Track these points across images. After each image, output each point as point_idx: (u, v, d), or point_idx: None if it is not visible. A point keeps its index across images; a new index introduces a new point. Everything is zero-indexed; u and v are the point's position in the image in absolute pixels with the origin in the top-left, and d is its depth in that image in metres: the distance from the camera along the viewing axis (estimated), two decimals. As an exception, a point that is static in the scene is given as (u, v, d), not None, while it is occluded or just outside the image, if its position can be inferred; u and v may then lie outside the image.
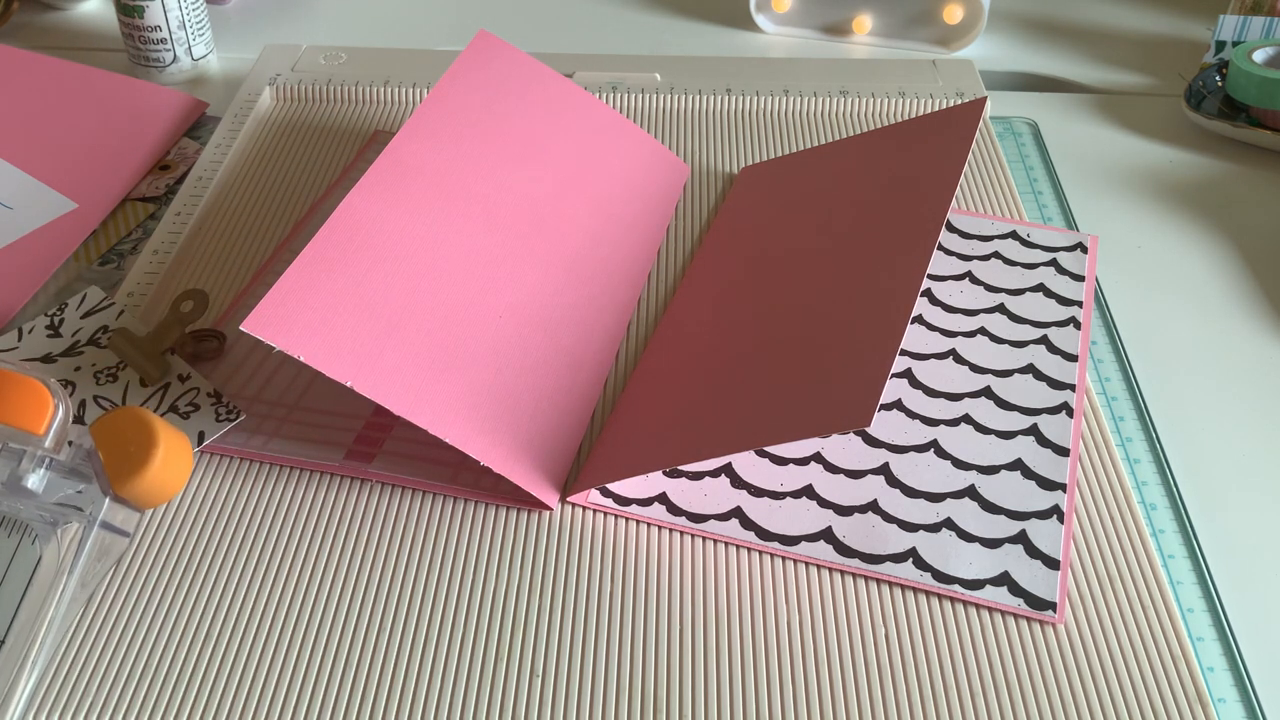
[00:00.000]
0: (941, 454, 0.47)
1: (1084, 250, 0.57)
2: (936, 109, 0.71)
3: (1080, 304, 0.54)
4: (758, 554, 0.44)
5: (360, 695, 0.39)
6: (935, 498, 0.45)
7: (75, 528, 0.41)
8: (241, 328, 0.41)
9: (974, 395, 0.50)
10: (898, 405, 0.49)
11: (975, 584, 0.42)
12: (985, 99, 0.57)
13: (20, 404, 0.42)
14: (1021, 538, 0.44)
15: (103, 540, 0.42)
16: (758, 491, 0.46)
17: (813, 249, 0.54)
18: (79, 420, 0.49)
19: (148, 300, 0.56)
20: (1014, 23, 0.84)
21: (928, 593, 0.42)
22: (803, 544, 0.44)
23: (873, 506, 0.45)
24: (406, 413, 0.43)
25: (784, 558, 0.44)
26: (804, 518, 0.45)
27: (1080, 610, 0.42)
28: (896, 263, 0.48)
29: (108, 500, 0.41)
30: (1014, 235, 0.58)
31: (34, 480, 0.41)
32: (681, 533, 0.45)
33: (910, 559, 0.43)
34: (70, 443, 0.42)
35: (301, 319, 0.42)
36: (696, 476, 0.47)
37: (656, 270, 0.58)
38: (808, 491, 0.46)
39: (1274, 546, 0.46)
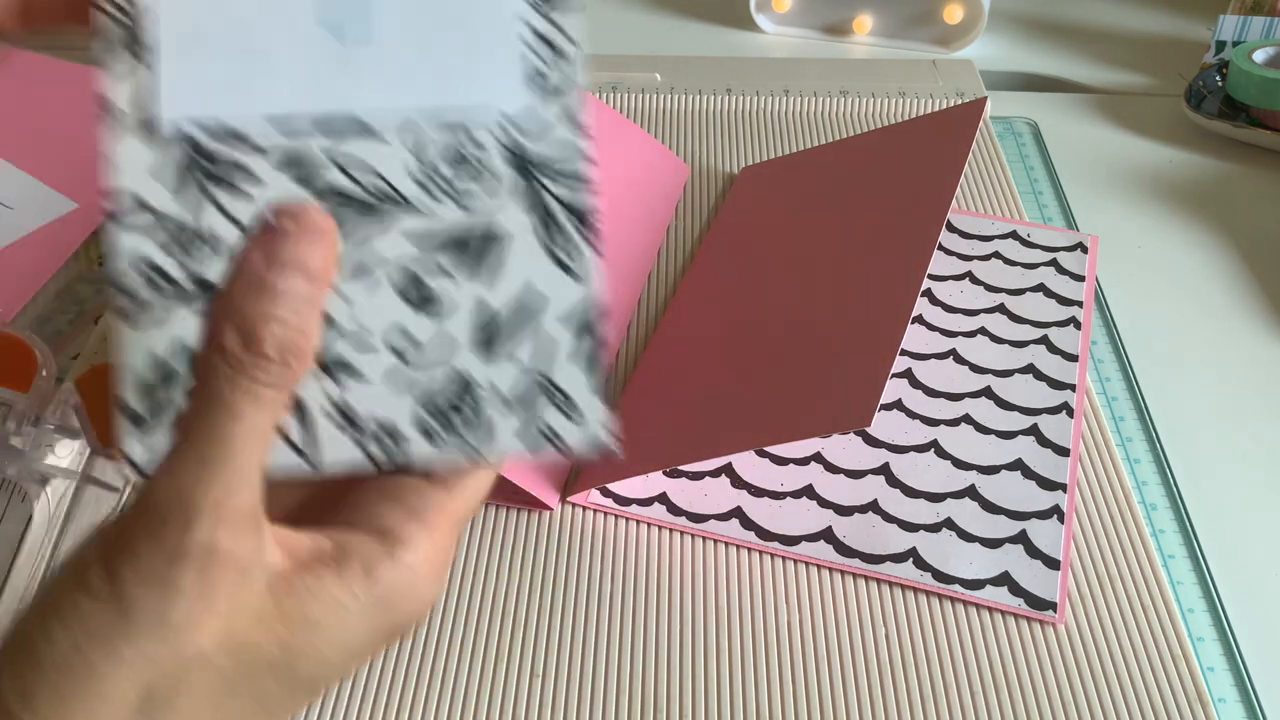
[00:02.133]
0: (942, 454, 0.47)
1: (1084, 250, 0.57)
2: (936, 109, 0.70)
3: (1080, 304, 0.54)
4: (758, 554, 0.44)
5: (360, 695, 0.39)
6: (935, 498, 0.45)
7: (64, 484, 0.41)
8: None
9: (974, 395, 0.50)
10: (898, 405, 0.49)
11: (975, 584, 0.42)
12: (985, 99, 0.57)
13: (5, 363, 0.42)
14: (1022, 538, 0.44)
15: (92, 496, 0.41)
16: (758, 491, 0.46)
17: (813, 249, 0.54)
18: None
19: (148, 300, 0.56)
20: (1014, 23, 0.84)
21: (928, 592, 0.42)
22: (803, 544, 0.44)
23: (873, 506, 0.45)
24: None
25: (784, 558, 0.44)
26: (804, 518, 0.45)
27: (1080, 610, 0.42)
28: (897, 263, 0.48)
29: (95, 456, 0.41)
30: (1014, 235, 0.58)
31: (20, 439, 0.41)
32: (682, 533, 0.45)
33: (910, 559, 0.43)
34: (56, 383, 0.42)
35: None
36: (697, 476, 0.47)
37: (656, 270, 0.58)
38: (808, 491, 0.46)
39: (1275, 546, 0.46)
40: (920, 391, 0.50)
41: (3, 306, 0.57)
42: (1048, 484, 0.46)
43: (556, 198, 0.30)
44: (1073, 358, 0.51)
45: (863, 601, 0.42)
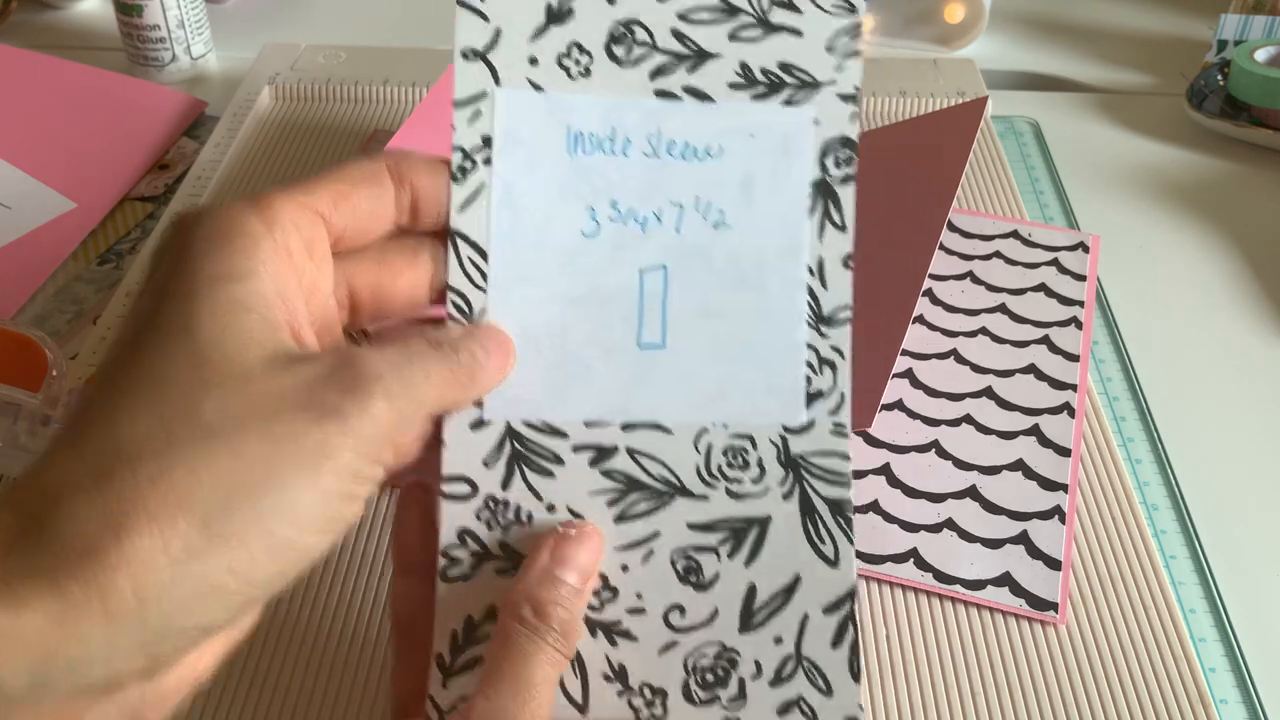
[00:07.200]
0: (943, 454, 0.47)
1: (1085, 250, 0.57)
2: (938, 108, 0.70)
3: (1082, 304, 0.54)
4: (758, 554, 0.44)
5: (361, 695, 0.39)
6: (937, 498, 0.45)
7: None
8: None
9: (975, 395, 0.49)
10: (899, 405, 0.49)
11: (977, 584, 0.42)
12: (986, 98, 0.57)
13: (16, 363, 0.42)
14: (1023, 538, 0.44)
15: None
16: (758, 492, 0.46)
17: (813, 248, 0.54)
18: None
19: (146, 300, 0.56)
20: (1015, 22, 0.84)
21: (929, 593, 0.42)
22: (803, 544, 0.44)
23: (874, 507, 0.45)
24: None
25: (785, 558, 0.44)
26: (805, 518, 0.45)
27: (1082, 611, 0.42)
28: (898, 262, 0.48)
29: None
30: (1015, 235, 0.58)
31: (31, 439, 0.41)
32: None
33: (911, 559, 0.43)
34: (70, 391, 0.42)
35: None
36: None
37: (657, 270, 0.58)
38: (808, 492, 0.46)
39: (1277, 547, 0.46)
40: (921, 391, 0.50)
41: (1, 306, 0.56)
42: (1049, 484, 0.46)
43: (818, 493, 0.33)
44: (1074, 358, 0.51)
45: (863, 601, 0.42)
